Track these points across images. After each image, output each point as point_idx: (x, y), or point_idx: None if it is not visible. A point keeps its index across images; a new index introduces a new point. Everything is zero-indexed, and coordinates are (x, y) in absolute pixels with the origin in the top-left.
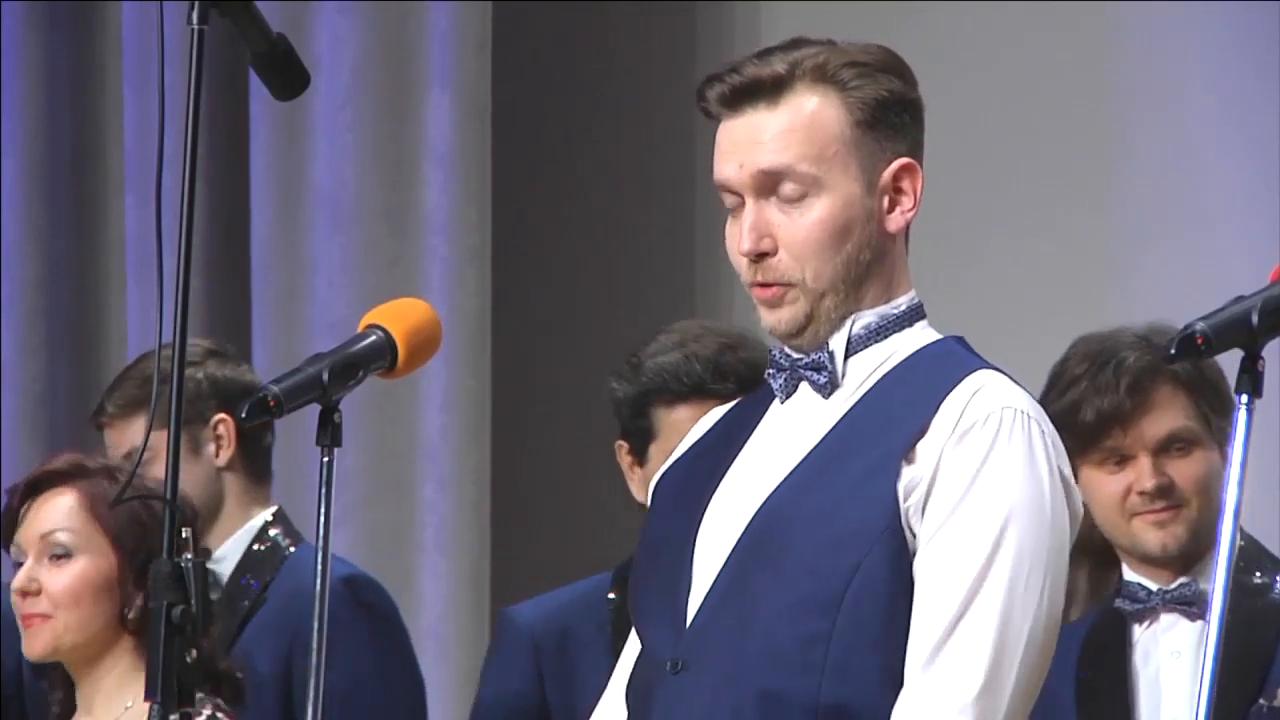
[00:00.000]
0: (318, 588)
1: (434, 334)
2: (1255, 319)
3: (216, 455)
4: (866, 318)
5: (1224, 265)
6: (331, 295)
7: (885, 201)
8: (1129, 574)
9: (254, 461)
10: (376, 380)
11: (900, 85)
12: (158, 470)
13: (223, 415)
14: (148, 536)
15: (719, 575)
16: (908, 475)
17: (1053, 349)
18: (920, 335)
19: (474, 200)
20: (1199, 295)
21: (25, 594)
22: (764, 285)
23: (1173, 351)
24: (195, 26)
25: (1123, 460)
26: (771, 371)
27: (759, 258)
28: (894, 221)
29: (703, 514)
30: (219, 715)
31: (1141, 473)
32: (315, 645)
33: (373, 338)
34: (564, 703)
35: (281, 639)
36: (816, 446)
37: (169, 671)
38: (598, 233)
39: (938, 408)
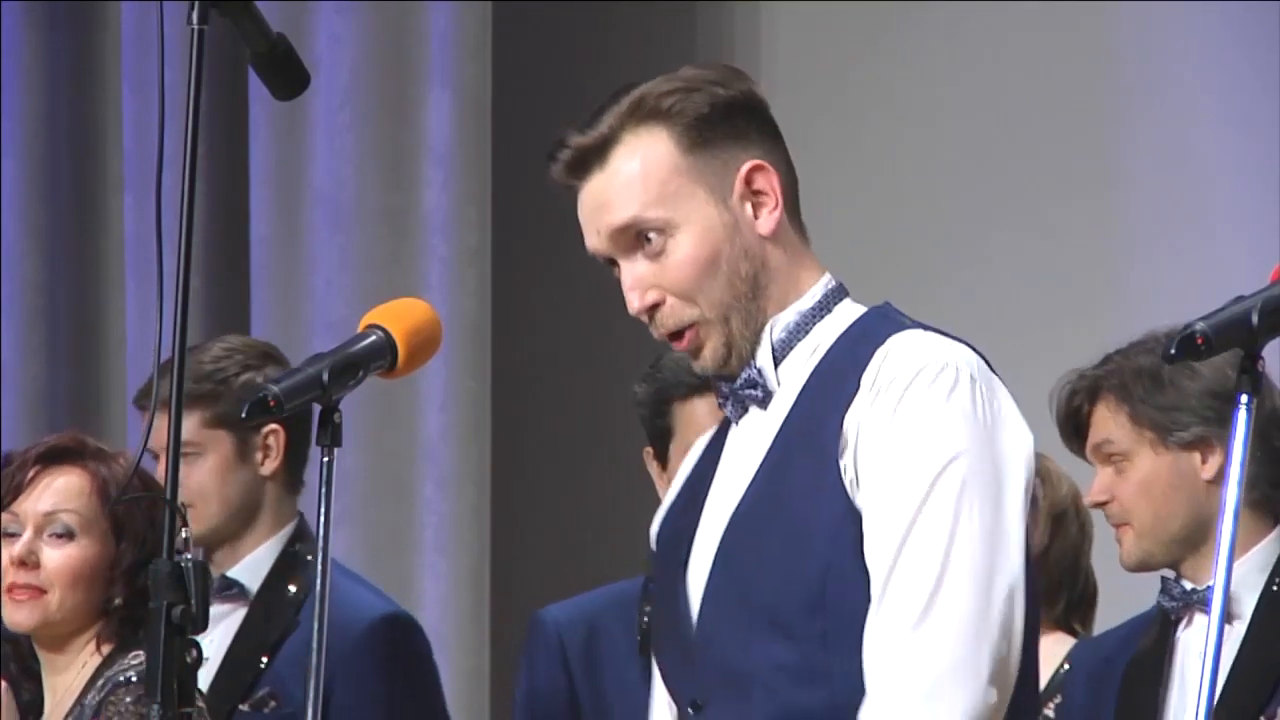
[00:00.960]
0: (318, 588)
1: (434, 334)
2: (1255, 319)
3: (262, 463)
4: (784, 319)
5: (1224, 265)
6: (331, 295)
7: (747, 208)
8: (1168, 570)
9: (293, 473)
10: (376, 380)
11: (724, 92)
12: (196, 469)
13: (275, 425)
14: (152, 533)
15: (701, 608)
16: (843, 459)
17: (1052, 348)
18: (843, 317)
19: (474, 200)
20: (1199, 295)
21: (23, 564)
22: (673, 336)
23: (1172, 351)
24: (195, 26)
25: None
26: (720, 401)
27: (652, 312)
28: (764, 224)
29: (690, 550)
30: None
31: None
32: (315, 645)
33: (373, 338)
34: (594, 700)
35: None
36: (763, 462)
37: (169, 671)
38: None
39: (858, 382)
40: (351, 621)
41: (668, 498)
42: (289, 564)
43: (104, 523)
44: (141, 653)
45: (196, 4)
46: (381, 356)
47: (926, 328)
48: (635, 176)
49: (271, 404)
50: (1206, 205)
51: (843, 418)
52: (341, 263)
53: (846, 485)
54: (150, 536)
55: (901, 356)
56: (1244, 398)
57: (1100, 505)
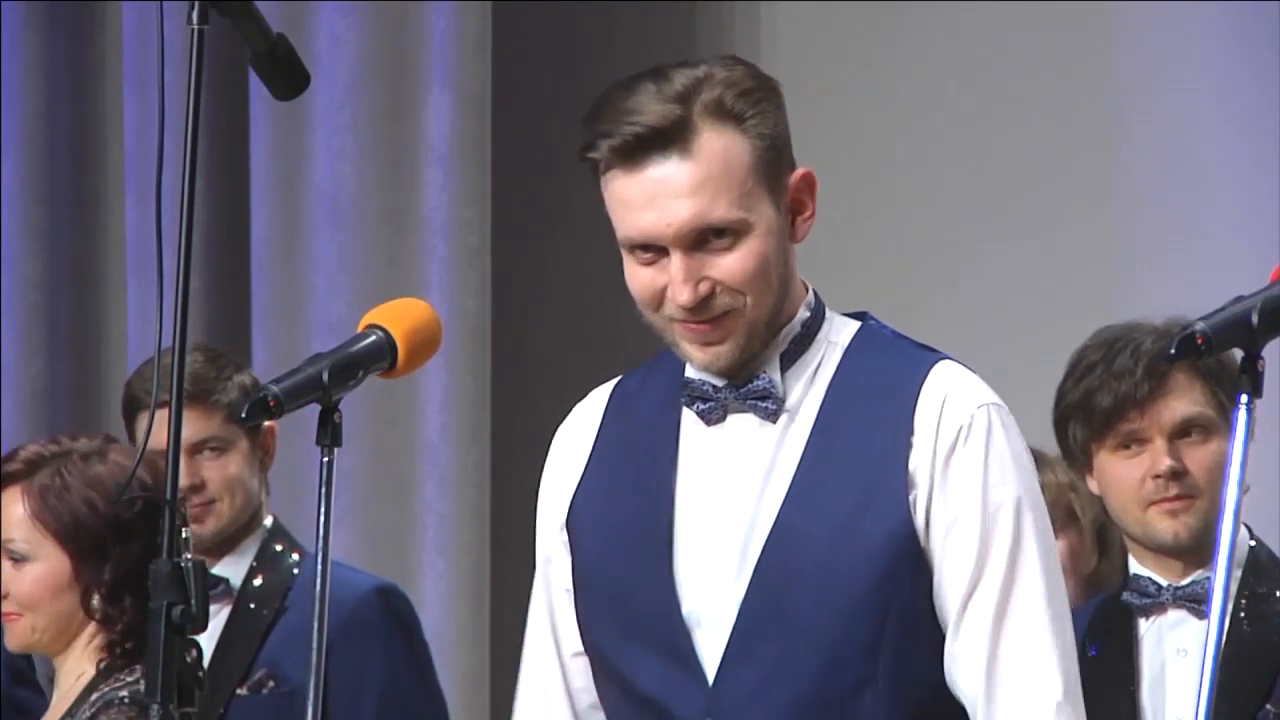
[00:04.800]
0: (318, 588)
1: (434, 334)
2: (1255, 319)
3: (263, 460)
4: (791, 329)
5: (1224, 265)
6: (331, 295)
7: (789, 214)
8: (1137, 567)
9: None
10: (376, 380)
11: (778, 100)
12: (225, 462)
13: (271, 422)
14: (96, 531)
15: (735, 629)
16: (913, 499)
17: (1053, 350)
18: (837, 329)
19: (474, 200)
20: (1199, 295)
21: None
22: (703, 320)
23: (1173, 351)
24: (195, 26)
25: (1138, 445)
26: (691, 398)
27: (704, 300)
28: (800, 231)
29: (671, 556)
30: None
31: (1156, 456)
32: (315, 644)
33: (373, 338)
34: None
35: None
36: (795, 483)
37: (169, 671)
38: (597, 232)
39: (913, 419)
40: (342, 596)
41: (563, 476)
42: (268, 558)
43: (49, 539)
44: (139, 669)
45: (196, 4)
46: (381, 357)
47: (946, 356)
48: (719, 173)
49: (272, 404)
50: (1206, 205)
51: (905, 453)
52: (341, 263)
53: (917, 528)
54: (102, 533)
55: (961, 402)
56: (1244, 398)
57: (1169, 474)
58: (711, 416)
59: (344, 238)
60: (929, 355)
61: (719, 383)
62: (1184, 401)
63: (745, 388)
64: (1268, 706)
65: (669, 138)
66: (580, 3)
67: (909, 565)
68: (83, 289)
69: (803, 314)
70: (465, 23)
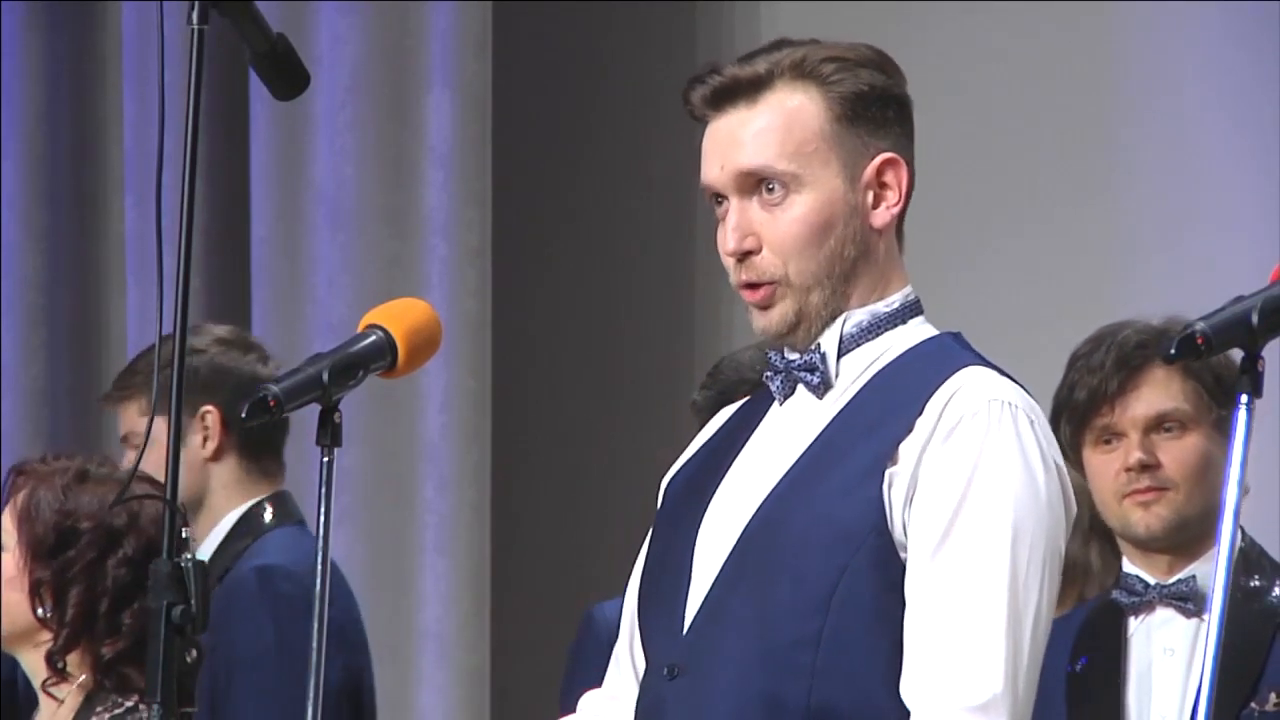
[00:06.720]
0: (317, 588)
1: (434, 334)
2: (1255, 319)
3: (202, 446)
4: (858, 316)
5: (1224, 265)
6: (331, 295)
7: (870, 197)
8: (1127, 565)
9: (251, 454)
10: (376, 380)
11: (883, 79)
12: (147, 457)
13: (209, 407)
14: (63, 544)
15: (714, 583)
16: (890, 474)
17: (1052, 349)
18: (914, 332)
19: (474, 200)
20: (1199, 295)
21: None
22: (751, 287)
23: (1172, 351)
24: (195, 26)
25: (1114, 439)
26: (769, 374)
27: (744, 256)
28: (880, 217)
29: (701, 520)
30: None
31: (1129, 449)
32: (315, 645)
33: (373, 338)
34: None
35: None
36: (806, 450)
37: (169, 671)
38: (597, 232)
39: (923, 407)
40: (245, 572)
41: (683, 457)
42: (241, 526)
43: (19, 538)
44: (125, 704)
45: (196, 4)
46: (382, 356)
47: (990, 364)
48: (779, 125)
49: (271, 404)
50: (1206, 205)
51: (900, 436)
52: (342, 263)
53: (886, 502)
54: (72, 548)
55: (972, 394)
56: (1244, 398)
57: (1138, 467)
58: (784, 392)
59: (344, 238)
60: (967, 358)
61: (791, 357)
62: (1158, 395)
63: (796, 359)
64: (1252, 705)
65: (744, 88)
66: (580, 2)
67: (873, 537)
68: (83, 289)
69: (877, 306)
70: (465, 23)
